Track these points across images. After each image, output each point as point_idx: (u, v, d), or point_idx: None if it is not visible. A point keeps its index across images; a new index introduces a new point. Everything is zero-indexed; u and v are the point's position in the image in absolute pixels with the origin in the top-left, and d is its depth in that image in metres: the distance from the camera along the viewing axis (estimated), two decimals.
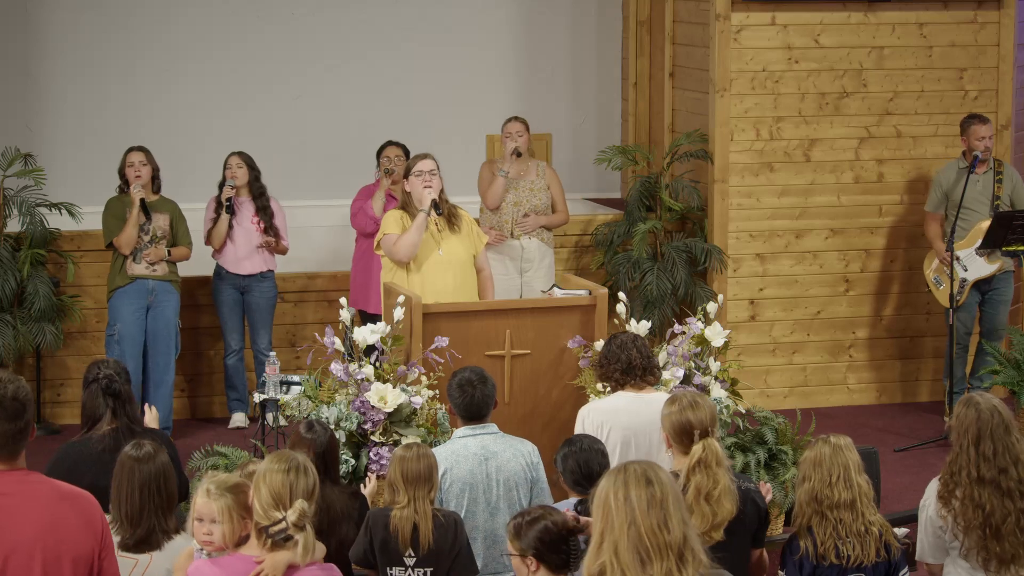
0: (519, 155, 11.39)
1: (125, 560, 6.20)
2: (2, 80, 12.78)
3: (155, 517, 6.20)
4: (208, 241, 11.22)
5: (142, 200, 10.78)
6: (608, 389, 8.76)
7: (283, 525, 5.35)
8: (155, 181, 11.02)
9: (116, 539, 6.19)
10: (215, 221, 11.18)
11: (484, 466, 7.37)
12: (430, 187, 9.42)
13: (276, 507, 5.38)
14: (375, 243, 9.72)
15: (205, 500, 5.61)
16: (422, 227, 9.36)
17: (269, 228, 11.22)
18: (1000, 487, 6.34)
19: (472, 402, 7.44)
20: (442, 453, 7.36)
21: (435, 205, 9.37)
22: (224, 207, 11.13)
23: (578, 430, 7.76)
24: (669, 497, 4.60)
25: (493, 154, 13.08)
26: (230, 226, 11.14)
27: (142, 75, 13.02)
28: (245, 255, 11.22)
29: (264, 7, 13.20)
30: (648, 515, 4.57)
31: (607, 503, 4.64)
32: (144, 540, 6.20)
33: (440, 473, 7.25)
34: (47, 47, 12.87)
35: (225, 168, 11.24)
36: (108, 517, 6.24)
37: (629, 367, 7.87)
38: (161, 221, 10.93)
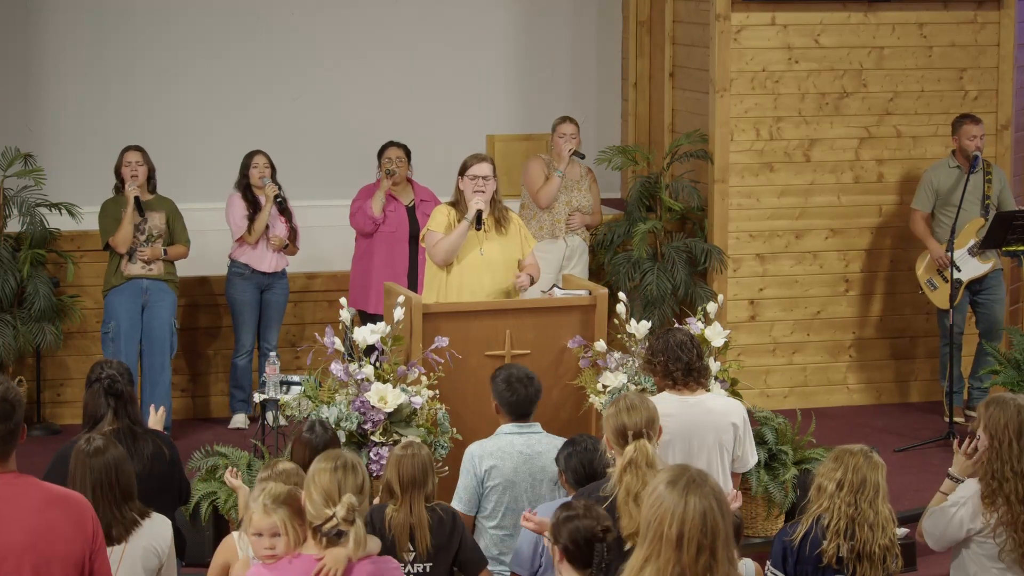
0: (583, 157, 11.64)
1: None
2: (2, 80, 12.77)
3: (111, 511, 6.17)
4: (243, 238, 11.17)
5: (136, 197, 10.78)
6: (626, 386, 8.75)
7: (334, 521, 5.39)
8: (151, 181, 11.03)
9: None
10: (251, 218, 11.14)
11: (528, 465, 7.46)
12: (482, 192, 9.35)
13: (327, 505, 5.42)
14: (420, 236, 9.72)
15: (263, 515, 5.60)
16: (463, 235, 9.30)
17: (292, 228, 11.27)
18: None
19: (521, 400, 7.60)
20: (488, 448, 7.50)
21: (478, 218, 9.31)
22: (275, 203, 11.12)
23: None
24: (719, 539, 4.56)
25: (493, 154, 13.08)
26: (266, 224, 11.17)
27: (142, 75, 13.01)
28: (271, 253, 11.23)
29: (264, 7, 13.20)
30: (696, 562, 4.54)
31: (660, 526, 4.57)
32: (106, 536, 6.19)
33: (485, 468, 7.33)
34: (47, 47, 12.87)
35: (252, 167, 11.24)
36: None
37: (690, 369, 7.71)
38: (157, 220, 10.93)
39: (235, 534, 6.53)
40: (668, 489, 4.59)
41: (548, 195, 11.52)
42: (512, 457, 7.42)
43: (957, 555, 6.64)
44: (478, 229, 9.31)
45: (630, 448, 6.44)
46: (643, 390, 8.46)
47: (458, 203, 9.45)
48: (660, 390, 7.78)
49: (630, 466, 6.39)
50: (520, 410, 7.62)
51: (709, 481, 4.62)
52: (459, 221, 9.34)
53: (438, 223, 9.41)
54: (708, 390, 7.90)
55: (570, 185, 11.63)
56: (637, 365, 8.84)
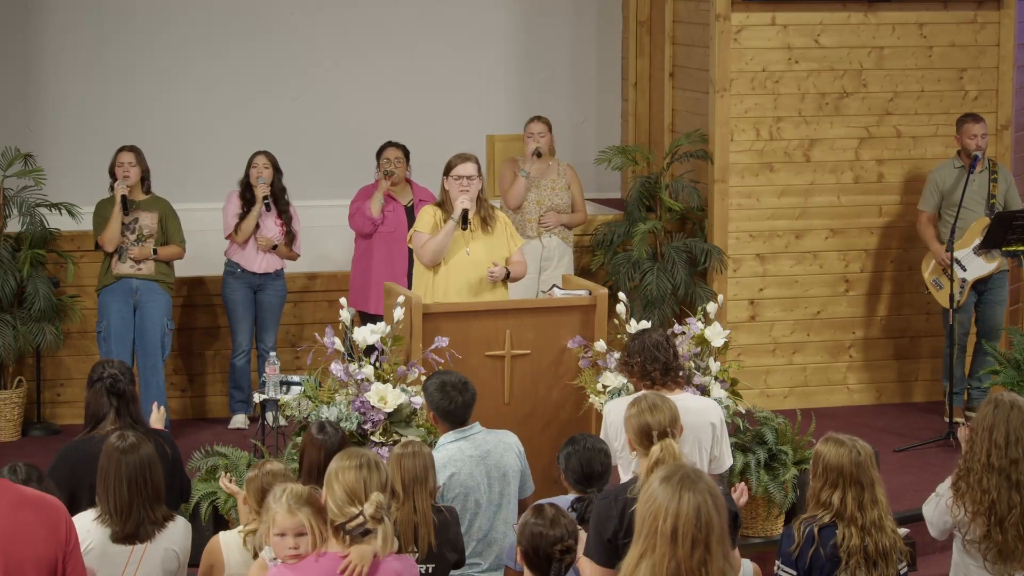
0: (539, 155, 11.49)
1: (121, 550, 6.20)
2: (2, 80, 12.78)
3: (143, 509, 6.20)
4: (231, 236, 11.18)
5: (124, 197, 10.77)
6: (610, 389, 8.75)
7: (360, 520, 5.39)
8: (144, 182, 10.99)
9: (107, 532, 6.20)
10: (242, 217, 11.15)
11: (481, 466, 7.40)
12: (467, 191, 9.36)
13: (351, 503, 5.42)
14: (408, 236, 9.72)
15: (287, 515, 5.59)
16: (450, 235, 9.30)
17: (288, 231, 11.24)
18: (1010, 478, 6.36)
19: (459, 407, 7.49)
20: (440, 461, 7.37)
21: (464, 217, 9.31)
22: (262, 203, 11.12)
23: (603, 428, 7.75)
24: (714, 534, 4.59)
25: (493, 154, 13.09)
26: (256, 224, 11.15)
27: (142, 75, 13.02)
28: (262, 253, 11.22)
29: (264, 7, 13.20)
30: (691, 556, 4.57)
31: (655, 523, 4.60)
32: (134, 533, 6.20)
33: (443, 480, 7.29)
34: (47, 47, 12.87)
35: (251, 167, 11.23)
36: (95, 511, 6.24)
37: (667, 369, 7.78)
38: (148, 220, 10.89)
39: (221, 536, 6.53)
40: (662, 485, 4.64)
41: (514, 196, 11.43)
42: (466, 463, 7.34)
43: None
44: (464, 228, 9.31)
45: (656, 448, 6.42)
46: None
47: (444, 203, 9.47)
48: (637, 390, 7.83)
49: (657, 466, 6.36)
50: (458, 417, 7.51)
51: (704, 477, 4.66)
52: (445, 221, 9.36)
53: (424, 223, 9.43)
54: (692, 388, 7.93)
55: (541, 184, 11.52)
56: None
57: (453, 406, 7.48)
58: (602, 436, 7.60)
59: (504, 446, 7.51)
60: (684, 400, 7.68)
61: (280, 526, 5.61)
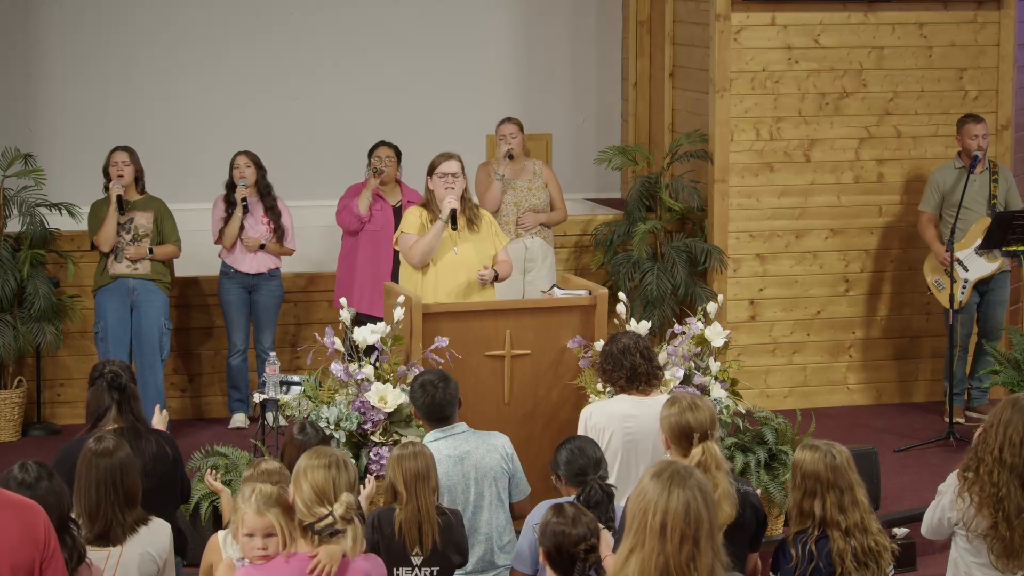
0: (511, 158, 11.46)
1: (98, 555, 6.20)
2: (2, 80, 12.78)
3: (112, 512, 6.18)
4: (219, 240, 11.20)
5: (119, 197, 10.77)
6: (609, 389, 8.75)
7: (330, 520, 5.38)
8: (139, 182, 10.99)
9: (84, 533, 6.20)
10: (226, 220, 11.17)
11: (460, 466, 7.36)
12: (452, 189, 9.36)
13: (320, 503, 5.41)
14: (394, 238, 9.71)
15: (256, 516, 5.56)
16: (439, 235, 9.28)
17: (277, 228, 11.24)
18: (1022, 477, 6.32)
19: (435, 402, 7.43)
20: None
21: (453, 218, 9.32)
22: (241, 206, 11.12)
23: (580, 431, 7.76)
24: (703, 531, 4.60)
25: (493, 155, 13.09)
26: (241, 225, 11.14)
27: (142, 75, 13.02)
28: (252, 254, 11.21)
29: (264, 7, 13.21)
30: (680, 552, 4.59)
31: (645, 518, 4.63)
32: (103, 535, 6.18)
33: None
34: (47, 47, 12.87)
35: (233, 168, 11.24)
36: (73, 513, 6.24)
37: (634, 374, 7.83)
38: (143, 219, 10.89)
39: (219, 534, 6.54)
40: (652, 481, 4.67)
41: (490, 199, 11.37)
42: (441, 463, 7.21)
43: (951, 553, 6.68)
44: (454, 229, 9.29)
45: (697, 451, 6.36)
46: None
47: (429, 203, 9.45)
48: (616, 393, 7.85)
49: (698, 468, 6.30)
50: (437, 414, 7.45)
51: (695, 475, 4.68)
52: (431, 222, 9.34)
53: (410, 224, 9.42)
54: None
55: (517, 185, 11.49)
56: None
57: (429, 400, 7.43)
58: None
59: (488, 447, 7.45)
60: (658, 403, 7.71)
61: (249, 526, 5.58)
